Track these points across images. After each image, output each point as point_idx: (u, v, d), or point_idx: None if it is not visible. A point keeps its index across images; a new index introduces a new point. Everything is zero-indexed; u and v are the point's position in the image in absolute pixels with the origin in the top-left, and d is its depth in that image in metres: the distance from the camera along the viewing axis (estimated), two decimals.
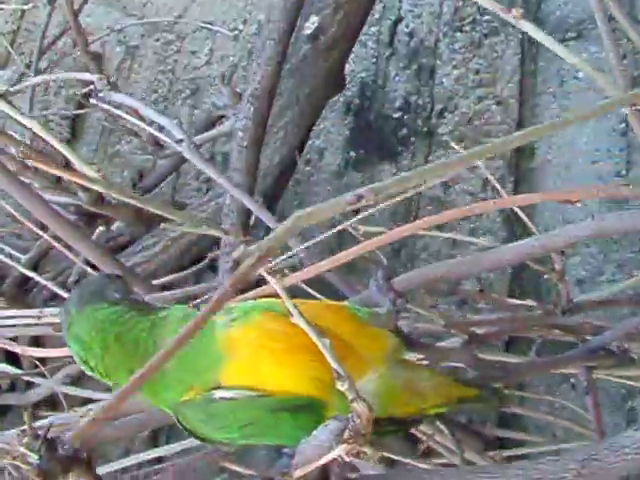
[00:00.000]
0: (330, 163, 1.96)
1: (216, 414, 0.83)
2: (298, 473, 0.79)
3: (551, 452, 1.44)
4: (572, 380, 1.47)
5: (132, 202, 0.96)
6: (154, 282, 1.55)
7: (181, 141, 1.07)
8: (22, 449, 0.93)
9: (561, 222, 1.64)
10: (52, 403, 1.67)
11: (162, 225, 0.99)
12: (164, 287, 1.72)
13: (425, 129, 1.88)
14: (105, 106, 1.12)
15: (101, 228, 1.68)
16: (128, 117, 1.14)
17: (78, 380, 1.49)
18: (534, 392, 1.40)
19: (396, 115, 1.92)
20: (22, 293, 1.64)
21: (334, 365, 0.73)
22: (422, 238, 1.72)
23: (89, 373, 0.88)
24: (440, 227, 1.61)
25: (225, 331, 0.84)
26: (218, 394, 0.83)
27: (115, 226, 1.70)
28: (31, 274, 1.59)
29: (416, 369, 0.89)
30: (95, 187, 0.94)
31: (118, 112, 1.14)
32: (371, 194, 0.57)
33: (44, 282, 1.57)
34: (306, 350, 0.81)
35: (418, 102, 1.90)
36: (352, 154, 1.94)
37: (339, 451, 0.74)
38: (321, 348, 0.73)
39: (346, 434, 0.73)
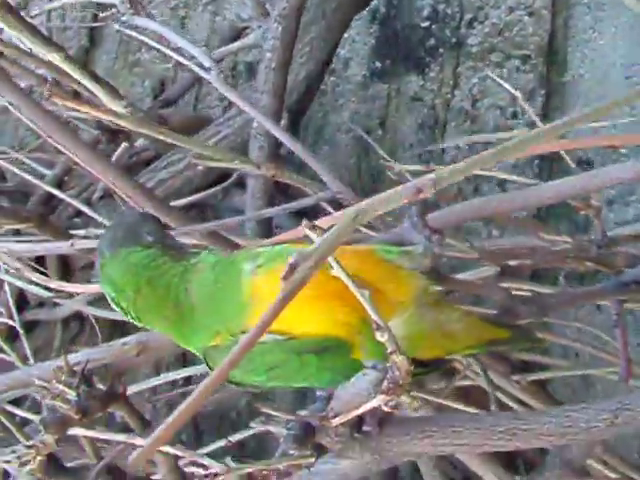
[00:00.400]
0: (355, 74, 1.91)
1: (244, 357, 0.83)
2: (337, 420, 0.80)
3: (577, 377, 1.46)
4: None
5: (161, 137, 0.94)
6: (179, 201, 1.54)
7: (209, 69, 1.05)
8: (60, 387, 0.94)
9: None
10: (80, 318, 1.69)
11: (193, 160, 0.97)
12: (191, 206, 1.73)
13: (454, 40, 1.82)
14: (128, 31, 1.09)
15: (125, 144, 1.66)
16: (153, 43, 1.10)
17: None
18: (559, 316, 1.40)
19: (424, 25, 1.86)
20: (48, 211, 1.63)
21: (374, 316, 0.72)
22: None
23: (122, 315, 0.88)
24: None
25: (251, 278, 0.84)
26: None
27: (139, 142, 1.68)
28: (56, 192, 1.58)
29: (445, 310, 0.88)
30: (122, 123, 0.91)
31: (142, 38, 1.10)
32: (431, 184, 0.54)
33: (69, 200, 1.57)
34: (333, 296, 0.82)
35: (447, 11, 1.84)
36: (378, 64, 1.89)
37: (377, 401, 0.74)
38: (360, 299, 0.73)
39: (385, 385, 0.73)
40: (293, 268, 0.53)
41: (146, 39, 1.10)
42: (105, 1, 1.15)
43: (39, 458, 0.90)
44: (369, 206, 0.54)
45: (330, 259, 0.73)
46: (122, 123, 0.92)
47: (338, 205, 1.17)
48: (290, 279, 0.52)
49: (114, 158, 1.67)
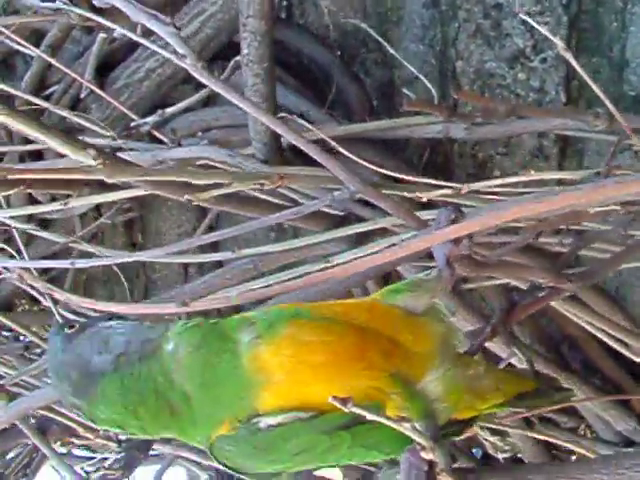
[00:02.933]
0: None
1: (264, 445, 0.74)
2: None
3: None
4: None
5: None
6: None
7: (184, 57, 0.90)
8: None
9: None
10: None
11: None
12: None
13: None
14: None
15: (102, 35, 1.50)
16: (126, 32, 0.94)
17: None
18: None
19: None
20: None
21: (419, 440, 0.68)
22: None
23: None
24: None
25: (253, 351, 0.74)
26: (264, 422, 0.73)
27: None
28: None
29: (472, 364, 0.82)
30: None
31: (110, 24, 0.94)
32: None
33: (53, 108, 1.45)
34: (352, 358, 0.74)
35: None
36: None
37: None
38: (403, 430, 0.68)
39: None
40: None
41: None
42: None
43: None
44: None
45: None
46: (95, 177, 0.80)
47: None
48: None
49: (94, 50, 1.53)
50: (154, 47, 0.89)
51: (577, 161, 1.50)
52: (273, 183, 0.90)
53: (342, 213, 1.24)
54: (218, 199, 1.05)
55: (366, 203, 1.23)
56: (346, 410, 0.64)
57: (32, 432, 1.14)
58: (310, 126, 1.09)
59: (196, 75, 0.85)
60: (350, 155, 0.97)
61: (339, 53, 1.59)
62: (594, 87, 0.91)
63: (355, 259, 1.06)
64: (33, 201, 1.49)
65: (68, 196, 1.37)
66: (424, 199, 0.91)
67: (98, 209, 1.75)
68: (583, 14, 1.47)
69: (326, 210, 1.24)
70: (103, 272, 1.90)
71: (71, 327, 0.78)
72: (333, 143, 1.01)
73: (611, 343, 1.31)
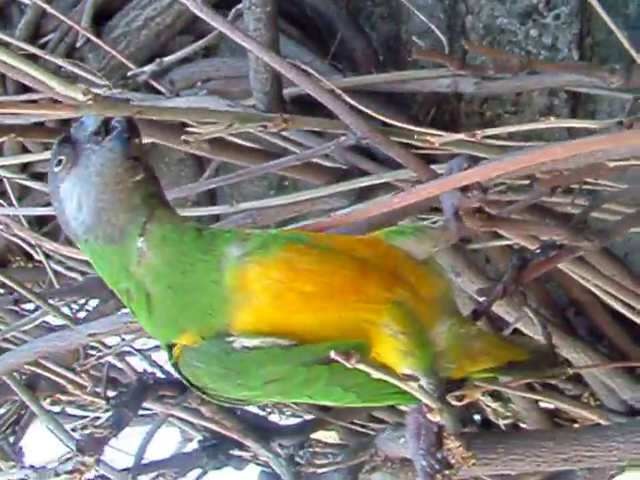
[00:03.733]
0: None
1: (236, 367, 0.69)
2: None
3: None
4: None
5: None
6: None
7: None
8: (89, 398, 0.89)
9: None
10: None
11: None
12: None
13: None
14: None
15: None
16: None
17: None
18: None
19: None
20: None
21: (427, 401, 0.64)
22: None
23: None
24: None
25: (238, 266, 0.69)
26: (239, 342, 0.68)
27: None
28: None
29: (466, 324, 0.78)
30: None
31: None
32: None
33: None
34: (348, 290, 0.69)
35: None
36: None
37: None
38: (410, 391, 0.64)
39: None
40: None
41: None
42: None
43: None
44: None
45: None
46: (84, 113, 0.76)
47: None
48: None
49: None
50: None
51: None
52: (276, 126, 0.85)
53: (345, 167, 1.20)
54: (217, 146, 1.00)
55: (370, 156, 1.19)
56: (349, 366, 0.60)
57: (20, 388, 1.10)
58: (316, 74, 1.04)
59: (202, 15, 0.81)
60: (356, 104, 0.92)
61: (344, 5, 1.53)
62: (614, 28, 0.86)
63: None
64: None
65: None
66: (436, 144, 0.86)
67: None
68: None
69: (328, 164, 1.20)
70: None
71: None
72: (339, 91, 0.96)
73: (619, 308, 1.28)
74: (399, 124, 0.94)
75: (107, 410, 0.86)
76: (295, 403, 1.22)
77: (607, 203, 1.11)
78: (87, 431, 0.84)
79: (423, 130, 0.94)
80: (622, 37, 0.93)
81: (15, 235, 1.17)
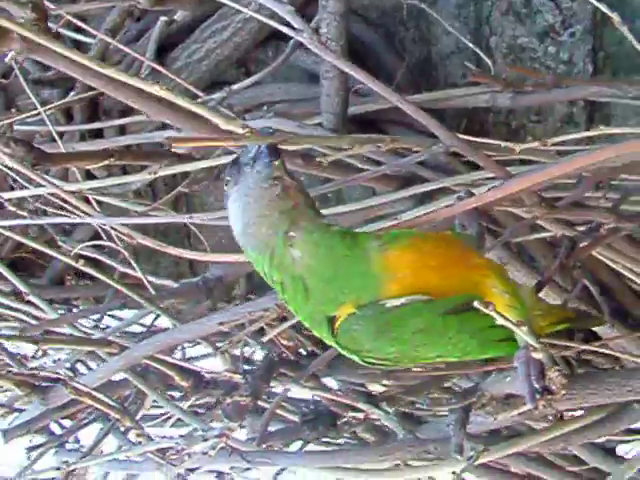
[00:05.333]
0: None
1: (389, 322, 0.88)
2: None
3: None
4: None
5: None
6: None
7: (300, 31, 1.02)
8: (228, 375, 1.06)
9: None
10: None
11: None
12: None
13: None
14: None
15: (163, 18, 1.61)
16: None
17: None
18: None
19: None
20: None
21: (526, 337, 0.83)
22: None
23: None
24: None
25: (382, 254, 0.89)
26: (390, 303, 0.88)
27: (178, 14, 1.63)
28: None
29: (534, 293, 1.02)
30: None
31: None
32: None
33: None
34: (459, 261, 0.92)
35: None
36: None
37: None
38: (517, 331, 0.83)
39: (542, 402, 0.85)
40: None
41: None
42: None
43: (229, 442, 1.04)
44: None
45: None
46: None
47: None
48: None
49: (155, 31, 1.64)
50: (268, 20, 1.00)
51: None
52: (386, 145, 1.03)
53: (407, 175, 1.37)
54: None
55: (432, 167, 1.37)
56: (487, 312, 0.79)
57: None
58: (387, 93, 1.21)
59: (311, 47, 0.98)
60: (430, 121, 1.09)
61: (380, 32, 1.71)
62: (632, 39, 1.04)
63: (425, 214, 1.21)
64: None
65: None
66: (517, 150, 1.04)
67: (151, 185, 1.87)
68: None
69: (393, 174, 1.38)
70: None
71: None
72: (413, 108, 1.12)
73: None
74: (467, 137, 1.12)
75: (244, 383, 1.02)
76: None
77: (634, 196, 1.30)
78: (230, 399, 1.01)
79: (490, 141, 1.12)
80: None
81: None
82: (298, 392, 1.18)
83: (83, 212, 1.23)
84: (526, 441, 0.98)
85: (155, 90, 0.90)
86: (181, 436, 1.08)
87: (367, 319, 0.88)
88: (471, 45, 1.52)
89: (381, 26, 1.74)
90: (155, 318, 1.63)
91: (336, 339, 0.90)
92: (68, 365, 1.38)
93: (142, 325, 1.56)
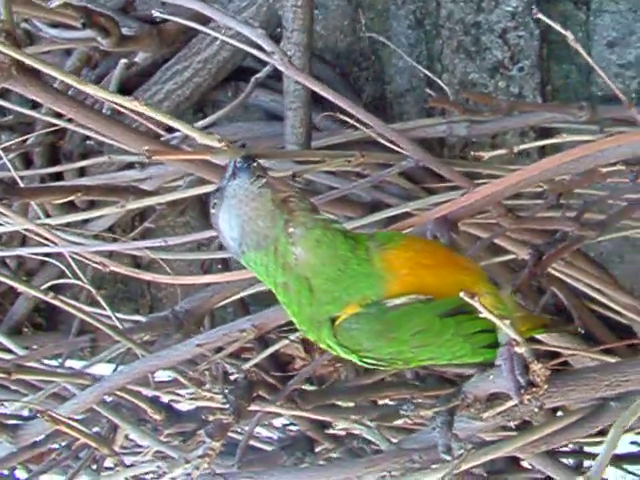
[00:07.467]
0: None
1: (389, 321, 0.90)
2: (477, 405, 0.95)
3: None
4: None
5: None
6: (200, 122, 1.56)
7: (272, 53, 1.05)
8: (208, 395, 1.06)
9: None
10: None
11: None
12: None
13: None
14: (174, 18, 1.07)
15: (123, 61, 1.64)
16: (200, 27, 1.09)
17: None
18: None
19: None
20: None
21: (511, 334, 0.86)
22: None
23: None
24: None
25: (381, 254, 0.91)
26: (391, 302, 0.90)
27: (139, 56, 1.66)
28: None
29: (513, 297, 1.04)
30: None
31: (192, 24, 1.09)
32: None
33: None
34: (450, 262, 0.95)
35: None
36: None
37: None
38: (502, 326, 0.85)
39: (526, 396, 0.87)
40: None
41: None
42: None
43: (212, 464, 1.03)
44: None
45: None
46: None
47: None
48: None
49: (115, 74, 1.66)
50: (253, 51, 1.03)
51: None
52: (356, 160, 1.06)
53: (372, 202, 1.41)
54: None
55: (394, 194, 1.41)
56: (472, 302, 0.81)
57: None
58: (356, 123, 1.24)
59: (282, 69, 1.01)
60: (399, 137, 1.13)
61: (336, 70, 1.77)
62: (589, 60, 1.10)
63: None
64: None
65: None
66: (485, 158, 1.09)
67: (111, 228, 1.87)
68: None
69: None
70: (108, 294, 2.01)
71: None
72: (380, 124, 1.14)
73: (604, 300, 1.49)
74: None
75: (224, 403, 1.02)
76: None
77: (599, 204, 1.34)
78: (214, 417, 1.00)
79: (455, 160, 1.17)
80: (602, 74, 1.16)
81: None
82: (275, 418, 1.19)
83: (53, 243, 1.23)
84: (511, 444, 1.00)
85: (134, 106, 0.92)
86: (163, 458, 1.07)
87: (369, 318, 0.90)
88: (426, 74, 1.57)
89: (336, 66, 1.79)
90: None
91: (336, 339, 0.91)
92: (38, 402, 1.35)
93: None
